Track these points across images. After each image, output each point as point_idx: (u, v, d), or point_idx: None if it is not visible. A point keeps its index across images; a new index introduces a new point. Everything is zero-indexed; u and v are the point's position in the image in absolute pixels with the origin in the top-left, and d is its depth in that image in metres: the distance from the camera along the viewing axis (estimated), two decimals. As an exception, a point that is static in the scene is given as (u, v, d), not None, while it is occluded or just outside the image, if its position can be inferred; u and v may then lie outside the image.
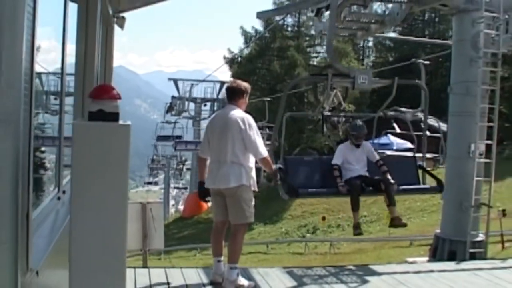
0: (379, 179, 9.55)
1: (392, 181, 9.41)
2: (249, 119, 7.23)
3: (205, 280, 7.71)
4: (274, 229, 36.61)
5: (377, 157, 9.92)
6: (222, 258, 7.60)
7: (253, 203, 7.27)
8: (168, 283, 7.60)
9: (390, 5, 12.69)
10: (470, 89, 10.77)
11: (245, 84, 7.69)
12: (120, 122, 4.23)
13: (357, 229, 9.79)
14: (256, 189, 7.36)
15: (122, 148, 4.04)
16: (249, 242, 32.99)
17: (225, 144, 7.09)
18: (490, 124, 10.73)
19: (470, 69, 10.94)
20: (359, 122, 10.10)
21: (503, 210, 15.37)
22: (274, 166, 8.05)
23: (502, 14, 11.13)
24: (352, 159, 9.77)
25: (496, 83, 11.40)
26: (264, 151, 7.25)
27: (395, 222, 9.69)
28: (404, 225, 10.06)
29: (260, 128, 40.35)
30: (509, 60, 38.96)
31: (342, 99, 11.64)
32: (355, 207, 9.71)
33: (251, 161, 7.26)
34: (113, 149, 4.03)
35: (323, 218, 32.51)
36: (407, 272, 8.23)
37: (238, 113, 7.26)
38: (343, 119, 11.21)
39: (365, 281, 7.74)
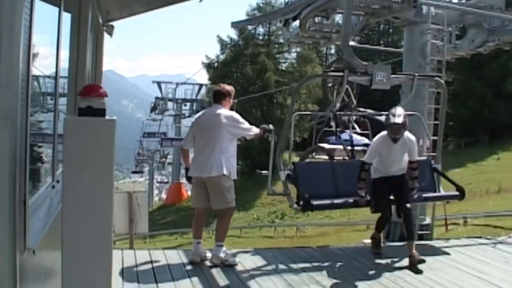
0: (400, 207, 7.67)
1: (411, 210, 7.80)
2: (234, 114, 7.54)
3: (185, 260, 7.74)
4: (247, 215, 36.67)
5: (415, 158, 7.81)
6: (201, 240, 7.76)
7: (232, 190, 7.46)
8: (151, 262, 7.61)
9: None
10: (419, 91, 10.87)
11: (228, 88, 7.81)
12: (107, 117, 4.27)
13: (378, 247, 8.37)
14: (235, 177, 7.46)
15: (109, 140, 4.11)
16: (225, 227, 33.02)
17: (212, 138, 7.34)
18: (436, 122, 10.85)
19: (419, 74, 11.05)
20: (399, 110, 7.63)
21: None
22: (257, 130, 7.79)
23: (446, 27, 11.31)
24: (387, 157, 7.77)
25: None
26: (255, 129, 7.71)
27: (413, 262, 7.44)
28: (423, 261, 7.46)
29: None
30: (452, 67, 39.63)
31: (353, 96, 10.15)
32: (380, 227, 8.37)
33: (234, 152, 7.54)
34: (100, 141, 4.08)
35: (291, 206, 32.63)
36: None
37: (223, 111, 7.49)
38: (354, 117, 9.91)
39: (326, 260, 7.82)
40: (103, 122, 4.24)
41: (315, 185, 7.89)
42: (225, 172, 7.27)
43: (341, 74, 8.35)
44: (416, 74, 8.44)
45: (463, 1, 12.87)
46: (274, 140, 8.47)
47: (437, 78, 9.36)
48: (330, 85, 10.80)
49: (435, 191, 8.85)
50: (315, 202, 7.66)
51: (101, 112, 4.22)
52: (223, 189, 7.36)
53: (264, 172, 9.40)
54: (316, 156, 10.30)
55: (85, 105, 4.20)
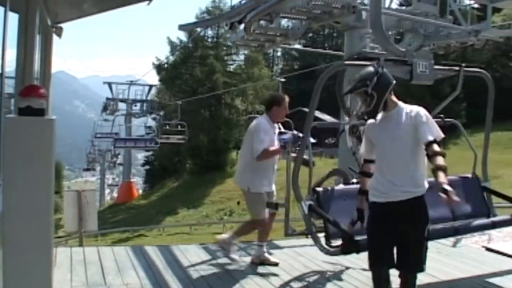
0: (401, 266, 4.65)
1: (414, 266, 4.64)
2: (257, 125, 6.96)
3: (133, 256, 7.70)
4: (197, 213, 36.62)
5: (430, 136, 4.44)
6: (265, 244, 7.52)
7: (255, 203, 7.12)
8: (99, 259, 7.55)
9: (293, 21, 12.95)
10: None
11: (274, 96, 7.44)
12: (46, 117, 4.24)
13: None
14: (256, 191, 7.01)
15: (48, 139, 4.09)
16: (175, 225, 32.96)
17: (242, 150, 7.27)
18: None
19: (358, 76, 11.23)
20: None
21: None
22: (275, 147, 6.87)
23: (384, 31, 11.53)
24: (381, 149, 4.95)
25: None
26: (257, 151, 6.80)
27: None
28: None
29: (175, 125, 40.19)
30: (393, 69, 40.34)
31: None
32: None
33: (257, 165, 6.95)
34: (39, 141, 4.06)
35: (238, 203, 32.85)
36: (305, 245, 8.41)
37: (255, 121, 7.09)
38: None
39: (268, 253, 7.88)
40: (42, 122, 4.21)
41: (348, 217, 5.24)
42: (243, 186, 7.14)
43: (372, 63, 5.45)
44: (463, 65, 6.44)
45: (401, 8, 13.17)
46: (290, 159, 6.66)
47: (482, 71, 7.01)
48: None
49: (488, 216, 6.69)
50: (359, 238, 5.15)
51: (41, 112, 4.19)
52: (247, 202, 7.33)
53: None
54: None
55: (25, 105, 4.17)
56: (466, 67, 6.38)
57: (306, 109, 11.92)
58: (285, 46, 23.36)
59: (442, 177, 4.28)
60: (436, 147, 4.42)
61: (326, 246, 5.80)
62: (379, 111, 4.64)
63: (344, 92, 7.44)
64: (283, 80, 33.94)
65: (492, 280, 6.71)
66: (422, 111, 4.63)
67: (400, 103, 4.73)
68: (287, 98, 7.21)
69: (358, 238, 5.19)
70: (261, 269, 7.09)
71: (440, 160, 4.38)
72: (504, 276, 6.88)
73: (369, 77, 4.58)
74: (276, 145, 6.96)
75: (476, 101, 41.97)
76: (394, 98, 4.71)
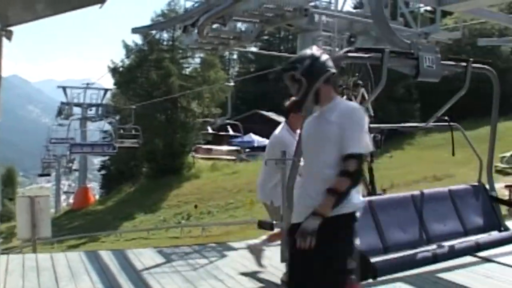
0: None
1: None
2: (280, 140, 6.35)
3: (86, 261, 7.67)
4: (154, 217, 36.36)
5: (350, 149, 3.69)
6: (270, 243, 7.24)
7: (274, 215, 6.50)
8: (53, 265, 7.49)
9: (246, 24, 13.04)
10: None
11: (290, 103, 6.33)
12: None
13: None
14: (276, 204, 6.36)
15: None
16: (132, 230, 32.71)
17: (265, 162, 6.52)
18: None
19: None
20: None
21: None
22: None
23: (337, 34, 11.75)
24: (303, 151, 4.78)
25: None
26: None
27: None
28: None
29: (129, 130, 39.81)
30: (349, 71, 41.01)
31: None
32: None
33: (277, 179, 6.15)
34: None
35: (195, 206, 32.90)
36: (260, 247, 8.49)
37: (278, 134, 6.51)
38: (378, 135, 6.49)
39: (224, 255, 7.94)
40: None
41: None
42: (266, 199, 6.77)
43: (378, 55, 5.05)
44: (471, 59, 5.68)
45: (352, 11, 13.39)
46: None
47: (488, 67, 6.20)
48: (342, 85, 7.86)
49: (500, 228, 6.00)
50: (377, 260, 4.62)
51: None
52: (270, 214, 6.72)
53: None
54: None
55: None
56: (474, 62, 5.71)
57: (262, 111, 11.92)
58: (240, 49, 23.51)
59: (321, 207, 3.52)
60: (350, 165, 3.58)
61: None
62: (306, 103, 3.81)
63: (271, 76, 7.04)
64: (231, 84, 34.03)
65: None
66: (357, 112, 3.78)
67: (338, 98, 3.87)
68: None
69: (374, 259, 4.53)
70: (215, 271, 7.14)
71: (337, 183, 3.54)
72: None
73: (300, 60, 3.79)
74: None
75: (430, 101, 42.94)
76: (332, 91, 3.83)
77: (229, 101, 28.98)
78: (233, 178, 38.43)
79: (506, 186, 15.70)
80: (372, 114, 5.97)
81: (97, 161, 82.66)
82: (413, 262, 4.98)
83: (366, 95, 5.76)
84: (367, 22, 12.39)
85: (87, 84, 52.00)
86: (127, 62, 50.64)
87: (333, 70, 3.80)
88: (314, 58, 3.76)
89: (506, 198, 13.74)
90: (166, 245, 14.12)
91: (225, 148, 22.41)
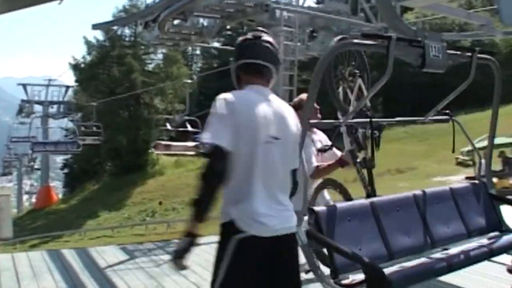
0: None
1: None
2: None
3: (49, 261, 7.62)
4: (118, 215, 36.15)
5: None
6: None
7: None
8: (14, 265, 7.43)
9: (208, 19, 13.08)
10: (274, 89, 11.26)
11: (295, 100, 5.67)
12: None
13: None
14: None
15: None
16: (96, 228, 32.45)
17: None
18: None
19: (273, 73, 11.50)
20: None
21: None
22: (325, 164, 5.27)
23: (298, 29, 11.85)
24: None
25: (293, 84, 12.02)
26: (309, 171, 5.11)
27: None
28: None
29: (91, 127, 39.50)
30: (310, 65, 41.40)
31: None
32: None
33: None
34: None
35: (160, 203, 32.76)
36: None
37: None
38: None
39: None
40: None
41: (355, 243, 4.12)
42: None
43: (384, 42, 4.27)
44: (477, 49, 5.10)
45: (314, 6, 13.51)
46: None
47: (492, 58, 5.29)
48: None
49: (501, 230, 5.42)
50: (391, 271, 4.01)
51: None
52: None
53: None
54: None
55: None
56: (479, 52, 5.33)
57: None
58: (202, 45, 23.44)
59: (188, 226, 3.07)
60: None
61: (334, 285, 3.92)
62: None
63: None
64: (189, 81, 33.90)
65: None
66: (215, 101, 3.22)
67: (247, 88, 3.32)
68: (304, 96, 5.50)
69: (388, 270, 3.88)
70: (179, 267, 7.17)
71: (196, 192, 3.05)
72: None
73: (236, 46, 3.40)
74: (317, 160, 5.54)
75: (393, 95, 43.51)
76: (251, 81, 3.27)
77: (187, 97, 28.81)
78: (197, 174, 38.35)
79: (467, 178, 16.11)
80: (369, 108, 5.14)
81: (59, 159, 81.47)
82: (427, 273, 4.38)
83: (363, 87, 5.06)
84: (328, 17, 12.53)
85: (49, 80, 51.26)
86: (88, 58, 50.14)
87: (246, 60, 3.25)
88: (239, 43, 3.37)
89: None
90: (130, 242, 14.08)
91: (184, 144, 22.56)
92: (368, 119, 4.99)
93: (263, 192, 3.07)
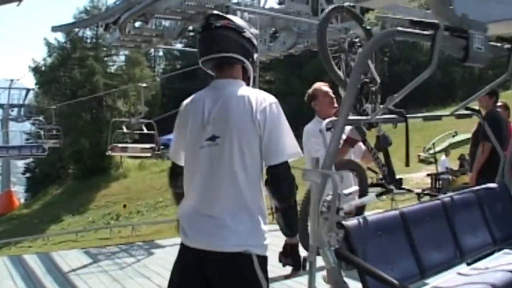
0: None
1: None
2: (304, 132, 5.19)
3: (10, 266, 7.55)
4: (82, 219, 35.71)
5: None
6: None
7: None
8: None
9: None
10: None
11: (309, 91, 5.45)
12: None
13: None
14: None
15: None
16: (59, 233, 31.99)
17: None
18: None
19: (236, 74, 11.61)
20: None
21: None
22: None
23: (260, 30, 11.94)
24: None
25: (255, 85, 12.11)
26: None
27: None
28: None
29: (50, 130, 39.01)
30: (274, 67, 41.68)
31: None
32: None
33: None
34: None
35: (124, 206, 32.47)
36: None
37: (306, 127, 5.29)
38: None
39: (151, 253, 8.00)
40: None
41: (387, 263, 3.55)
42: None
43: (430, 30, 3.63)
44: None
45: (276, 6, 13.63)
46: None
47: None
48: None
49: None
50: None
51: None
52: None
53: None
54: None
55: None
56: None
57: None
58: (165, 47, 23.36)
59: None
60: None
61: None
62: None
63: None
64: (144, 85, 33.68)
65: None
66: None
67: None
68: (321, 86, 5.32)
69: None
70: (142, 269, 7.18)
71: None
72: None
73: None
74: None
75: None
76: (216, 76, 3.03)
77: (142, 100, 28.87)
78: (161, 177, 38.18)
79: (428, 175, 16.43)
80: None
81: (21, 163, 79.95)
82: None
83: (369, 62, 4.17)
84: (288, 18, 12.66)
85: (11, 81, 50.38)
86: (49, 60, 49.44)
87: (200, 60, 3.00)
88: None
89: (429, 186, 14.49)
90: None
91: (139, 146, 22.79)
92: (396, 115, 4.49)
93: (191, 202, 2.85)
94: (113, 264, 7.50)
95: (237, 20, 2.98)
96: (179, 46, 47.16)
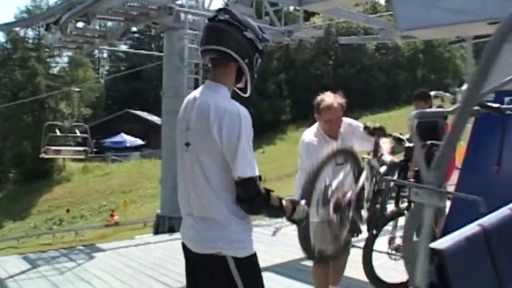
0: None
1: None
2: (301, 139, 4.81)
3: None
4: (24, 224, 34.92)
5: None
6: None
7: None
8: None
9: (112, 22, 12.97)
10: (178, 92, 11.34)
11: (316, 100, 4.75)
12: None
13: None
14: None
15: None
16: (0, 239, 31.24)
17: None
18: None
19: (178, 76, 11.59)
20: None
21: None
22: None
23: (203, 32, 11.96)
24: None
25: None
26: None
27: None
28: None
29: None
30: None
31: None
32: None
33: None
34: None
35: (68, 211, 31.94)
36: (129, 246, 8.47)
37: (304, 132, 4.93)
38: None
39: (92, 257, 7.87)
40: None
41: None
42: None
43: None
44: None
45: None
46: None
47: None
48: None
49: None
50: None
51: None
52: None
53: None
54: None
55: None
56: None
57: (134, 111, 11.90)
58: (109, 48, 23.07)
59: None
60: None
61: None
62: None
63: None
64: (77, 89, 33.22)
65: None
66: None
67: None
68: (329, 100, 4.64)
69: None
70: (83, 273, 7.07)
71: None
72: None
73: None
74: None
75: (300, 98, 44.39)
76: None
77: (75, 104, 28.73)
78: (105, 180, 37.76)
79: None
80: None
81: (-42, 168, 77.72)
82: None
83: None
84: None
85: None
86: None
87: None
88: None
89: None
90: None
91: (73, 148, 23.01)
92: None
93: (181, 203, 2.95)
94: (53, 269, 7.34)
95: (244, 19, 2.92)
96: (124, 47, 46.83)
